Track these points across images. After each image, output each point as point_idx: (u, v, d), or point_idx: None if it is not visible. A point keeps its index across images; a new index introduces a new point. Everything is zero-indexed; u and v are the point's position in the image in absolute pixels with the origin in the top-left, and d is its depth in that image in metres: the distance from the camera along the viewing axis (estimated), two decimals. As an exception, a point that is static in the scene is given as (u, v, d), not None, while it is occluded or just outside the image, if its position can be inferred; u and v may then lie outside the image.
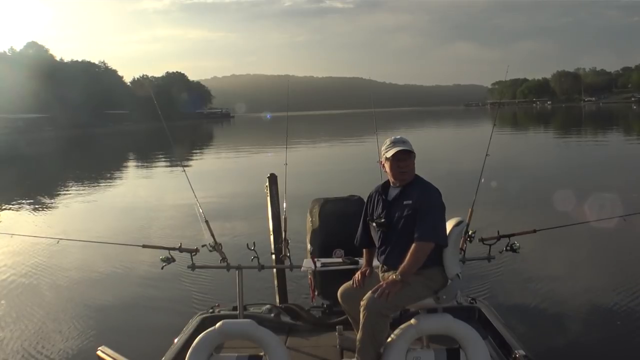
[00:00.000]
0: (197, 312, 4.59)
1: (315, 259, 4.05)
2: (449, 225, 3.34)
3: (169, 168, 23.48)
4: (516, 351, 3.49)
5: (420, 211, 3.24)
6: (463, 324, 3.21)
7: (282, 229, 4.75)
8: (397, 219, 3.32)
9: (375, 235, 3.47)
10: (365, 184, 4.26)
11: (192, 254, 4.03)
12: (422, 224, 3.21)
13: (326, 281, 4.35)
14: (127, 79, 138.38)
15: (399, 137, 3.47)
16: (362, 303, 3.17)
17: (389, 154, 3.37)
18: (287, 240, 4.50)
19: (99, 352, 3.57)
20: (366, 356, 3.17)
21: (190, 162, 25.60)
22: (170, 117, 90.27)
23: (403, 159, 3.36)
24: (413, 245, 3.21)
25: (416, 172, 3.43)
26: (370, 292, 3.18)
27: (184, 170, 4.83)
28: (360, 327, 3.18)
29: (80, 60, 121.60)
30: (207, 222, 4.24)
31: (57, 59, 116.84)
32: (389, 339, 3.22)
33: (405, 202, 3.31)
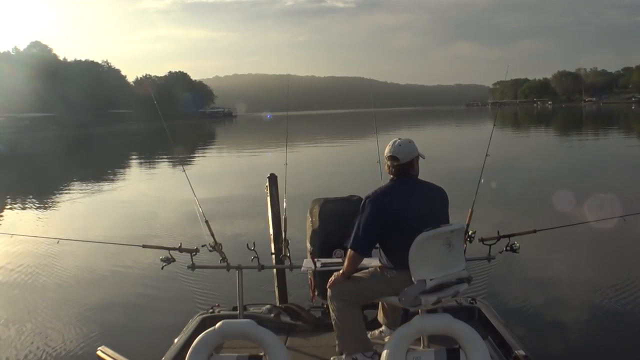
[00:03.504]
0: (197, 312, 4.59)
1: (315, 259, 4.05)
2: None
3: (169, 168, 23.49)
4: (516, 351, 3.49)
5: None
6: (463, 324, 3.20)
7: (282, 229, 4.75)
8: None
9: None
10: (365, 184, 4.26)
11: (192, 254, 4.03)
12: None
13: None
14: (130, 78, 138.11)
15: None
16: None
17: None
18: (287, 240, 4.50)
19: (99, 352, 3.58)
20: (343, 342, 3.42)
21: (191, 162, 25.60)
22: (172, 117, 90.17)
23: None
24: None
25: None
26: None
27: (184, 170, 4.83)
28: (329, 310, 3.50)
29: (83, 59, 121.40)
30: (207, 222, 4.24)
31: (61, 58, 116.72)
32: (389, 339, 3.22)
33: None
